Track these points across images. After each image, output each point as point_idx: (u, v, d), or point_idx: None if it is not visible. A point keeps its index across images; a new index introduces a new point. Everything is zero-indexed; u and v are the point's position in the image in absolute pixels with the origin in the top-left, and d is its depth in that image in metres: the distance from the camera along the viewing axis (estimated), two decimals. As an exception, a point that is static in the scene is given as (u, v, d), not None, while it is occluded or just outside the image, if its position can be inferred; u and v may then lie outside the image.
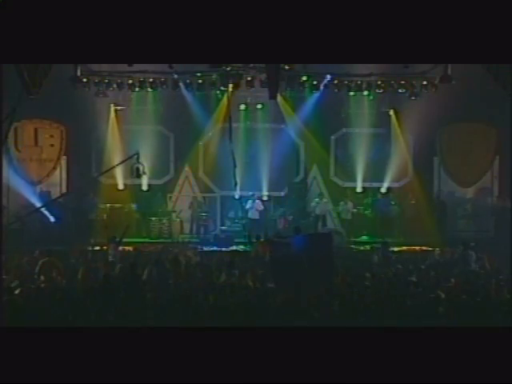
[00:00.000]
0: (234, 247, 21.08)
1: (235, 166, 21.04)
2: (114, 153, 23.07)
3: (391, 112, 23.67)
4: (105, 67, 21.78)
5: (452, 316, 11.97)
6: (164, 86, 22.37)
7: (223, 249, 20.85)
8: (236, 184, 21.69)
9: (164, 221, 23.31)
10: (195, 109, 23.63)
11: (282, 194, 24.32)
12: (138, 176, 20.44)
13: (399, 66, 20.60)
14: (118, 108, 23.36)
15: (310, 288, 13.56)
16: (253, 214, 22.99)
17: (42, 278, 15.60)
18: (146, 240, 22.42)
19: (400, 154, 23.94)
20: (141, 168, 19.89)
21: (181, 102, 23.33)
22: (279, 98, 22.57)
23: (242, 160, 23.43)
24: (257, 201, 23.19)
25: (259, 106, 23.78)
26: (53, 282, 15.25)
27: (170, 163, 24.27)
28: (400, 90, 22.49)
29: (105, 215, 23.06)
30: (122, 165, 23.47)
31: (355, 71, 22.28)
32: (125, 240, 19.94)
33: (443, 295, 13.22)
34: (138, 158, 19.56)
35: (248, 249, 19.70)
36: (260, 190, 23.91)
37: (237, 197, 23.39)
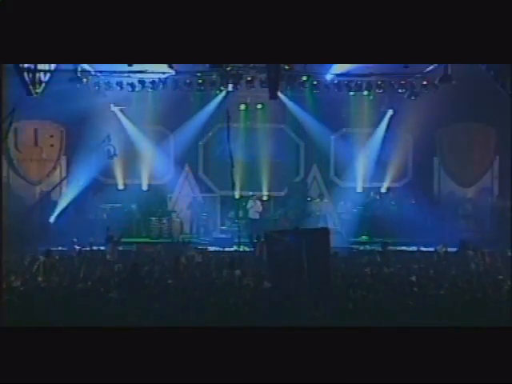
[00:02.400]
0: (234, 247, 21.07)
1: (233, 167, 21.07)
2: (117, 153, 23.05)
3: (391, 112, 23.66)
4: (105, 67, 21.76)
5: (452, 316, 11.96)
6: (164, 86, 22.36)
7: (223, 249, 20.84)
8: (234, 184, 21.69)
9: (164, 221, 23.30)
10: (195, 109, 23.64)
11: (282, 193, 24.33)
12: (110, 157, 20.62)
13: (399, 66, 20.57)
14: (118, 108, 23.35)
15: (309, 284, 13.58)
16: (253, 215, 23.03)
17: (42, 278, 15.59)
18: (146, 240, 22.41)
19: (400, 154, 23.94)
20: (112, 150, 20.03)
21: (181, 101, 23.32)
22: (280, 98, 22.57)
23: (241, 160, 23.46)
24: (256, 201, 23.23)
25: (259, 106, 23.77)
26: (53, 282, 15.24)
27: (170, 163, 24.26)
28: (400, 90, 22.47)
29: (105, 215, 23.08)
30: (122, 165, 23.64)
31: (355, 71, 22.27)
32: (125, 240, 19.99)
33: (443, 295, 13.21)
34: (109, 141, 19.76)
35: (248, 249, 19.68)
36: (260, 190, 23.93)
37: (237, 197, 23.41)
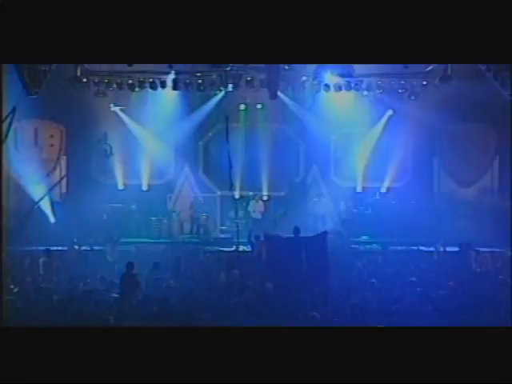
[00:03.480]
0: (234, 247, 21.07)
1: (231, 167, 21.10)
2: (115, 152, 23.07)
3: (391, 112, 23.67)
4: (105, 67, 21.79)
5: (452, 316, 11.96)
6: (164, 86, 22.39)
7: (223, 249, 20.84)
8: (232, 185, 21.70)
9: (164, 221, 23.29)
10: (195, 109, 23.66)
11: (282, 193, 24.33)
12: (107, 156, 20.64)
13: (399, 66, 20.61)
14: (118, 108, 23.36)
15: (309, 285, 13.59)
16: (255, 215, 23.07)
17: (42, 278, 15.61)
18: (146, 240, 22.41)
19: (400, 154, 23.95)
20: (108, 149, 20.05)
21: (181, 102, 23.35)
22: (280, 98, 22.59)
23: (242, 160, 23.48)
24: (259, 201, 23.28)
25: (259, 106, 23.81)
26: (53, 282, 15.26)
27: (170, 163, 24.26)
28: (400, 90, 22.51)
29: (105, 215, 23.09)
30: (122, 165, 23.65)
31: (355, 71, 22.29)
32: (124, 240, 19.99)
33: (443, 295, 13.21)
34: (105, 140, 19.80)
35: (248, 249, 19.68)
36: (260, 190, 23.94)
37: (237, 197, 23.43)
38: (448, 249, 19.16)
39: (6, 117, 16.21)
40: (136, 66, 20.66)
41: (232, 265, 15.99)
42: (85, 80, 21.86)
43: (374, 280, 15.09)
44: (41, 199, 22.04)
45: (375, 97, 23.13)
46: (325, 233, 15.92)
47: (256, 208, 23.23)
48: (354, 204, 23.82)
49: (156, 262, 16.27)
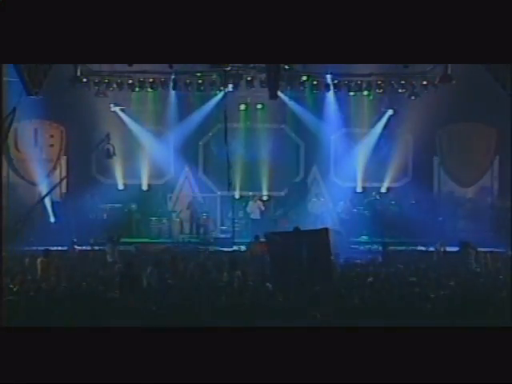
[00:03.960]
0: (234, 247, 21.06)
1: (230, 167, 21.10)
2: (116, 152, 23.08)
3: (391, 112, 23.66)
4: (105, 67, 21.79)
5: (452, 316, 11.95)
6: (164, 86, 22.38)
7: (223, 249, 20.82)
8: (230, 184, 21.69)
9: (164, 221, 23.31)
10: (195, 109, 23.65)
11: (282, 193, 24.33)
12: (109, 157, 20.60)
13: (399, 66, 20.61)
14: (118, 108, 23.34)
15: (309, 285, 13.57)
16: (254, 214, 23.06)
17: (42, 278, 15.57)
18: (146, 240, 22.40)
19: (400, 154, 23.95)
20: (111, 149, 19.99)
21: (181, 102, 23.34)
22: (280, 98, 22.57)
23: (242, 160, 23.48)
24: (258, 201, 23.27)
25: (259, 106, 23.80)
26: (52, 282, 15.23)
27: (169, 163, 24.25)
28: (400, 90, 22.52)
29: (105, 215, 23.09)
30: (122, 165, 23.63)
31: (355, 71, 22.30)
32: (124, 240, 19.98)
33: (443, 295, 13.20)
34: (108, 140, 19.75)
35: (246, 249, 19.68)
36: (260, 190, 23.94)
37: (237, 197, 23.43)
38: (448, 249, 19.14)
39: (6, 117, 16.23)
40: (136, 66, 20.66)
41: (232, 265, 15.94)
42: (85, 80, 21.86)
43: (374, 280, 15.08)
44: (41, 199, 22.05)
45: (375, 97, 23.12)
46: (325, 229, 15.91)
47: (254, 209, 23.24)
48: (353, 204, 23.82)
49: (156, 262, 16.24)
